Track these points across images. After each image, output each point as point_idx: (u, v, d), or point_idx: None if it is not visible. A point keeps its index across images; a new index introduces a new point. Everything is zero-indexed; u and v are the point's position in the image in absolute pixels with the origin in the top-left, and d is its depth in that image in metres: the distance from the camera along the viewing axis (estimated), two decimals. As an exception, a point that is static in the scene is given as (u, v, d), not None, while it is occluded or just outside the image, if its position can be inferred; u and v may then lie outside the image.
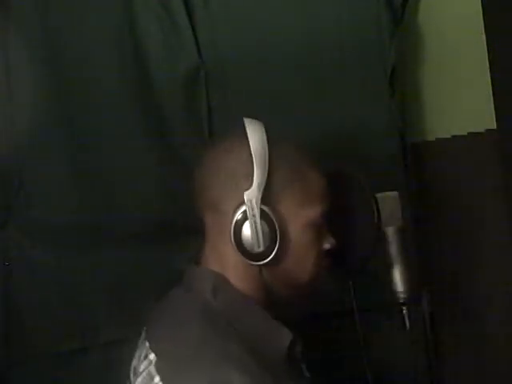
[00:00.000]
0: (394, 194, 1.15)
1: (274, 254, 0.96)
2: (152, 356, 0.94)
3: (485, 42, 1.47)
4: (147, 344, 0.97)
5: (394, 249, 1.15)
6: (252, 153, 0.96)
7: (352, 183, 1.14)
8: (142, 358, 0.97)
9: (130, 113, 1.36)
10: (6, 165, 1.30)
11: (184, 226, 1.36)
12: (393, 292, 1.15)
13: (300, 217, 1.00)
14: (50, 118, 1.32)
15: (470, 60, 1.48)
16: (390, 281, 1.15)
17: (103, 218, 1.33)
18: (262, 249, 0.96)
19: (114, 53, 1.35)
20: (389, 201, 1.14)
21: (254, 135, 0.98)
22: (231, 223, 0.96)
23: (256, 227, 0.95)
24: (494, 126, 1.47)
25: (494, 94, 1.46)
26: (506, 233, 1.46)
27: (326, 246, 1.06)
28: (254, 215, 0.95)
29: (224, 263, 1.00)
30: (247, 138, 0.98)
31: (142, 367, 0.95)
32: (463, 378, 1.46)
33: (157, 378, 0.91)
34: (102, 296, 1.32)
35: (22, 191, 1.31)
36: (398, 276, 1.15)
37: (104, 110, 1.34)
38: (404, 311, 1.15)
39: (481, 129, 1.47)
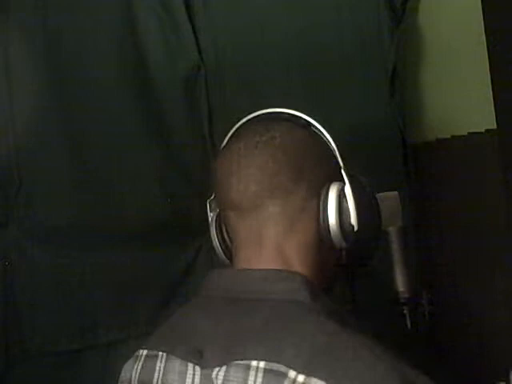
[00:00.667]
0: (394, 194, 1.15)
1: (358, 231, 0.91)
2: (301, 378, 0.75)
3: (485, 42, 1.47)
4: (283, 368, 0.76)
5: (394, 249, 1.15)
6: (325, 134, 0.94)
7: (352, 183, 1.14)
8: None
9: (130, 113, 1.35)
10: (6, 165, 1.30)
11: (184, 226, 1.37)
12: (393, 292, 1.15)
13: None
14: (49, 118, 1.32)
15: (470, 60, 1.48)
16: (390, 281, 1.15)
17: (103, 218, 1.33)
18: (356, 227, 0.90)
19: (114, 53, 1.35)
20: (389, 201, 1.14)
21: (314, 121, 0.95)
22: (324, 204, 0.89)
23: (355, 204, 0.90)
24: (494, 125, 1.47)
25: (493, 94, 1.46)
26: (505, 233, 1.46)
27: None
28: (353, 192, 0.90)
29: (291, 256, 0.89)
30: (308, 124, 0.94)
31: None
32: (463, 377, 1.46)
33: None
34: (102, 296, 1.32)
35: (22, 191, 1.31)
36: (398, 276, 1.15)
37: (104, 110, 1.34)
38: (404, 311, 1.15)
39: (481, 129, 1.47)
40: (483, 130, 1.47)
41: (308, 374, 0.74)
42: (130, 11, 1.36)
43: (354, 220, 0.90)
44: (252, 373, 0.77)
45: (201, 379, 0.82)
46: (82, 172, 1.33)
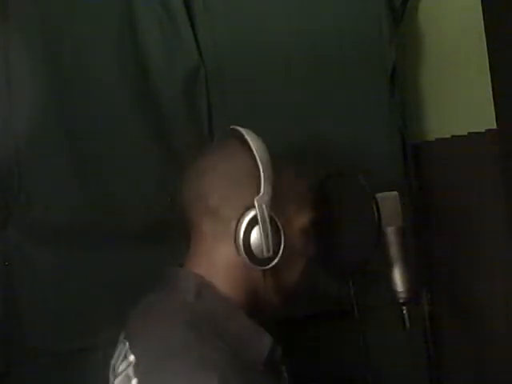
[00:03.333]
0: (394, 194, 1.16)
1: (278, 258, 0.97)
2: (132, 357, 0.94)
3: (485, 42, 1.47)
4: (127, 344, 0.97)
5: (394, 249, 1.15)
6: (258, 159, 0.97)
7: (352, 183, 1.14)
8: (121, 357, 0.97)
9: (129, 113, 1.35)
10: (6, 165, 1.30)
11: (184, 226, 1.36)
12: (393, 292, 1.15)
13: (296, 223, 1.03)
14: (49, 118, 1.32)
15: (469, 60, 1.48)
16: (390, 281, 1.15)
17: (103, 217, 1.33)
18: (270, 254, 0.97)
19: (114, 53, 1.35)
20: (389, 201, 1.15)
21: (256, 143, 0.99)
22: (238, 229, 0.96)
23: (267, 232, 0.96)
24: (494, 125, 1.47)
25: (493, 94, 1.46)
26: (505, 233, 1.46)
27: (311, 252, 1.08)
28: (264, 220, 0.96)
29: (213, 267, 1.01)
30: (248, 145, 0.99)
31: (121, 368, 0.95)
32: (463, 378, 1.46)
33: (134, 381, 0.91)
34: (102, 296, 1.32)
35: (22, 191, 1.31)
36: (398, 276, 1.15)
37: (104, 110, 1.34)
38: (404, 311, 1.15)
39: (481, 129, 1.47)
40: (483, 130, 1.47)
41: (136, 374, 0.92)
42: (130, 11, 1.36)
43: (264, 247, 0.97)
44: (126, 348, 0.97)
45: (120, 353, 1.00)
46: (81, 172, 1.33)
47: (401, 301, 1.15)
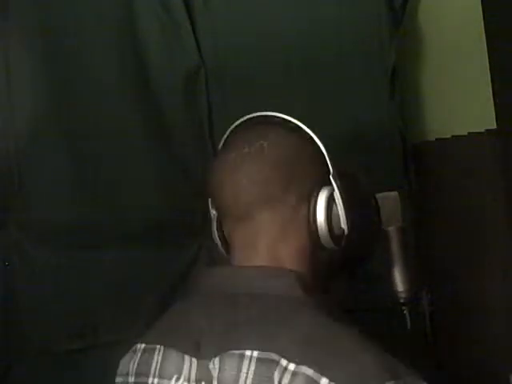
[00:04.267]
0: (394, 193, 1.15)
1: (349, 234, 0.94)
2: (324, 380, 0.76)
3: (485, 42, 1.47)
4: (275, 356, 0.80)
5: (394, 249, 1.15)
6: (315, 139, 0.94)
7: (352, 183, 1.14)
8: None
9: (130, 113, 1.36)
10: (6, 165, 1.30)
11: (184, 226, 1.37)
12: (393, 292, 1.15)
13: None
14: (49, 118, 1.32)
15: (470, 60, 1.48)
16: (390, 281, 1.15)
17: (103, 218, 1.33)
18: (346, 231, 0.93)
19: (114, 53, 1.36)
20: (389, 201, 1.14)
21: (304, 126, 0.95)
22: (312, 211, 0.91)
23: (344, 208, 0.93)
24: (494, 125, 1.47)
25: (493, 94, 1.46)
26: (505, 233, 1.46)
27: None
28: (341, 197, 0.92)
29: (284, 258, 0.92)
30: (295, 126, 0.95)
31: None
32: (463, 377, 1.46)
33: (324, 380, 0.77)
34: (102, 296, 1.32)
35: (21, 191, 1.31)
36: (398, 276, 1.14)
37: (104, 110, 1.34)
38: (404, 311, 1.15)
39: (481, 129, 1.47)
40: (483, 130, 1.47)
41: (298, 362, 0.78)
42: (130, 11, 1.36)
43: (343, 224, 0.93)
44: (246, 362, 0.81)
45: (197, 370, 0.86)
46: (81, 172, 1.33)
47: (401, 301, 1.15)
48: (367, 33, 1.41)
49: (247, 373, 0.80)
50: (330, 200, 0.92)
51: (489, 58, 1.47)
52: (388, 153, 1.40)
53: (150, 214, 1.35)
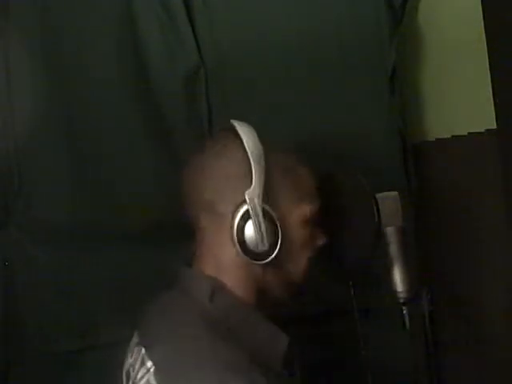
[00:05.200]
0: (394, 194, 1.15)
1: (276, 251, 0.97)
2: (149, 364, 0.92)
3: (485, 42, 1.47)
4: (143, 350, 0.96)
5: (394, 249, 1.15)
6: (248, 153, 0.97)
7: (352, 183, 1.14)
8: (138, 364, 0.95)
9: (130, 113, 1.36)
10: (6, 165, 1.30)
11: (184, 226, 1.36)
12: (393, 292, 1.15)
13: (295, 214, 1.02)
14: (49, 117, 1.32)
15: (470, 60, 1.48)
16: (390, 281, 1.15)
17: (103, 218, 1.33)
18: (266, 247, 0.96)
19: (114, 53, 1.36)
20: (389, 201, 1.14)
21: (247, 136, 0.99)
22: (232, 224, 0.96)
23: (260, 226, 0.95)
24: (494, 125, 1.47)
25: (493, 94, 1.46)
26: (505, 232, 1.46)
27: (319, 242, 1.07)
28: (257, 214, 0.95)
29: (220, 266, 1.00)
30: (240, 139, 0.99)
31: (139, 375, 0.93)
32: (463, 377, 1.46)
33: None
34: (101, 296, 1.32)
35: (22, 191, 1.31)
36: (397, 276, 1.15)
37: (104, 110, 1.34)
38: (404, 311, 1.15)
39: (481, 129, 1.47)
40: (483, 130, 1.47)
41: (156, 376, 0.90)
42: (130, 11, 1.36)
43: (259, 241, 0.96)
44: (140, 355, 0.96)
45: (135, 355, 0.99)
46: (81, 172, 1.33)
47: (401, 301, 1.15)
48: (367, 33, 1.41)
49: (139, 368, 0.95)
50: (246, 217, 0.96)
51: (489, 58, 1.47)
52: (388, 153, 1.40)
53: (150, 214, 1.35)
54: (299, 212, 1.02)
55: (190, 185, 1.02)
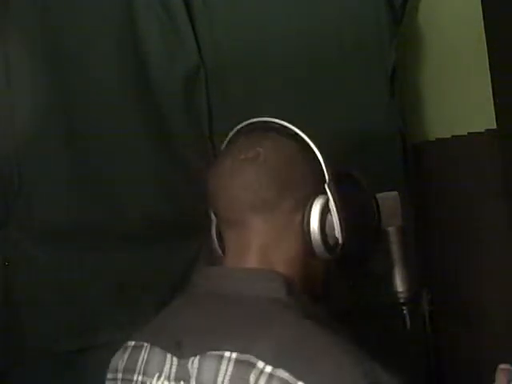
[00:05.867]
0: (394, 194, 1.15)
1: (344, 244, 0.94)
2: (261, 364, 0.79)
3: (485, 42, 1.47)
4: (234, 355, 0.82)
5: (394, 249, 1.15)
6: (313, 147, 0.95)
7: (352, 183, 1.14)
8: (225, 373, 0.82)
9: (130, 113, 1.35)
10: (6, 165, 1.30)
11: (184, 226, 1.37)
12: (393, 292, 1.15)
13: None
14: (49, 117, 1.32)
15: (469, 60, 1.48)
16: (390, 281, 1.15)
17: (103, 218, 1.33)
18: (342, 239, 0.94)
19: (114, 53, 1.35)
20: (389, 201, 1.14)
21: (301, 132, 0.96)
22: (305, 219, 0.92)
23: (339, 218, 0.93)
24: (494, 125, 1.47)
25: (493, 94, 1.46)
26: (505, 233, 1.46)
27: None
28: (336, 206, 0.93)
29: (283, 264, 0.93)
30: (293, 133, 0.96)
31: (251, 379, 0.80)
32: (463, 377, 1.46)
33: None
34: (101, 296, 1.32)
35: (22, 191, 1.31)
36: (398, 276, 1.15)
37: (104, 110, 1.34)
38: (404, 311, 1.15)
39: (481, 129, 1.47)
40: (483, 130, 1.47)
41: (275, 365, 0.79)
42: (130, 11, 1.36)
43: (338, 234, 0.94)
44: (224, 362, 0.82)
45: (177, 369, 0.87)
46: (81, 172, 1.33)
47: (401, 301, 1.15)
48: (367, 33, 1.41)
49: (225, 374, 0.81)
50: (325, 209, 0.93)
51: (489, 58, 1.47)
52: (388, 153, 1.40)
53: (150, 214, 1.35)
54: None
55: (239, 184, 0.93)
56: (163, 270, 1.35)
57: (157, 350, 0.91)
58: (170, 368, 0.88)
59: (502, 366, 0.98)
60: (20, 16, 1.31)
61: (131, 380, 0.93)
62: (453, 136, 1.49)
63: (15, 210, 1.31)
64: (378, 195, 1.13)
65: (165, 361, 0.89)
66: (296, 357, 0.79)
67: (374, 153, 1.39)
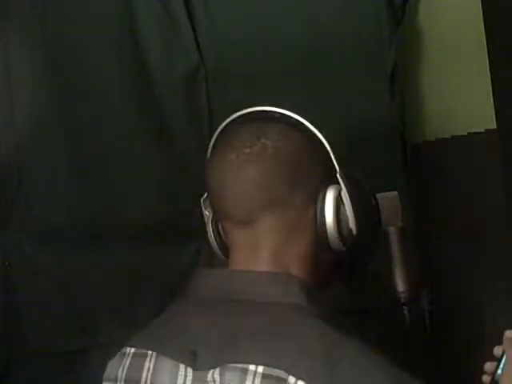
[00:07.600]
0: (394, 194, 1.15)
1: (356, 234, 0.90)
2: (292, 379, 0.74)
3: (485, 42, 1.47)
4: (261, 369, 0.77)
5: (394, 249, 1.15)
6: (319, 136, 0.90)
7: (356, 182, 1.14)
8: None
9: (130, 113, 1.36)
10: (6, 165, 1.30)
11: (184, 226, 1.37)
12: (393, 292, 1.15)
13: None
14: (49, 118, 1.32)
15: (469, 60, 1.48)
16: (390, 281, 1.15)
17: (103, 218, 1.33)
18: (355, 230, 0.90)
19: (114, 53, 1.36)
20: (389, 201, 1.14)
21: (306, 122, 0.91)
22: (319, 212, 0.88)
23: (353, 207, 0.89)
24: (494, 125, 1.47)
25: (493, 94, 1.46)
26: (505, 233, 1.45)
27: None
28: (350, 195, 0.89)
29: (297, 264, 0.88)
30: (299, 124, 0.90)
31: None
32: (463, 377, 1.46)
33: None
34: (102, 296, 1.32)
35: (22, 191, 1.31)
36: (398, 276, 1.15)
37: (104, 110, 1.34)
38: (404, 311, 1.15)
39: (481, 129, 1.47)
40: (483, 130, 1.47)
41: (308, 380, 0.74)
42: (130, 11, 1.36)
43: (352, 224, 0.90)
44: (250, 377, 0.76)
45: (193, 381, 0.82)
46: (81, 172, 1.33)
47: (401, 301, 1.15)
48: (367, 33, 1.41)
49: None
50: (338, 199, 0.89)
51: (489, 58, 1.47)
52: (388, 153, 1.40)
53: (150, 214, 1.35)
54: None
55: (246, 181, 0.88)
56: (163, 270, 1.35)
57: (166, 359, 0.85)
58: (185, 380, 0.83)
59: (509, 333, 0.97)
60: (20, 16, 1.31)
61: None
62: (453, 136, 1.49)
63: (15, 210, 1.31)
64: (378, 195, 1.12)
65: (177, 372, 0.84)
66: (328, 370, 0.75)
67: (373, 153, 1.39)
